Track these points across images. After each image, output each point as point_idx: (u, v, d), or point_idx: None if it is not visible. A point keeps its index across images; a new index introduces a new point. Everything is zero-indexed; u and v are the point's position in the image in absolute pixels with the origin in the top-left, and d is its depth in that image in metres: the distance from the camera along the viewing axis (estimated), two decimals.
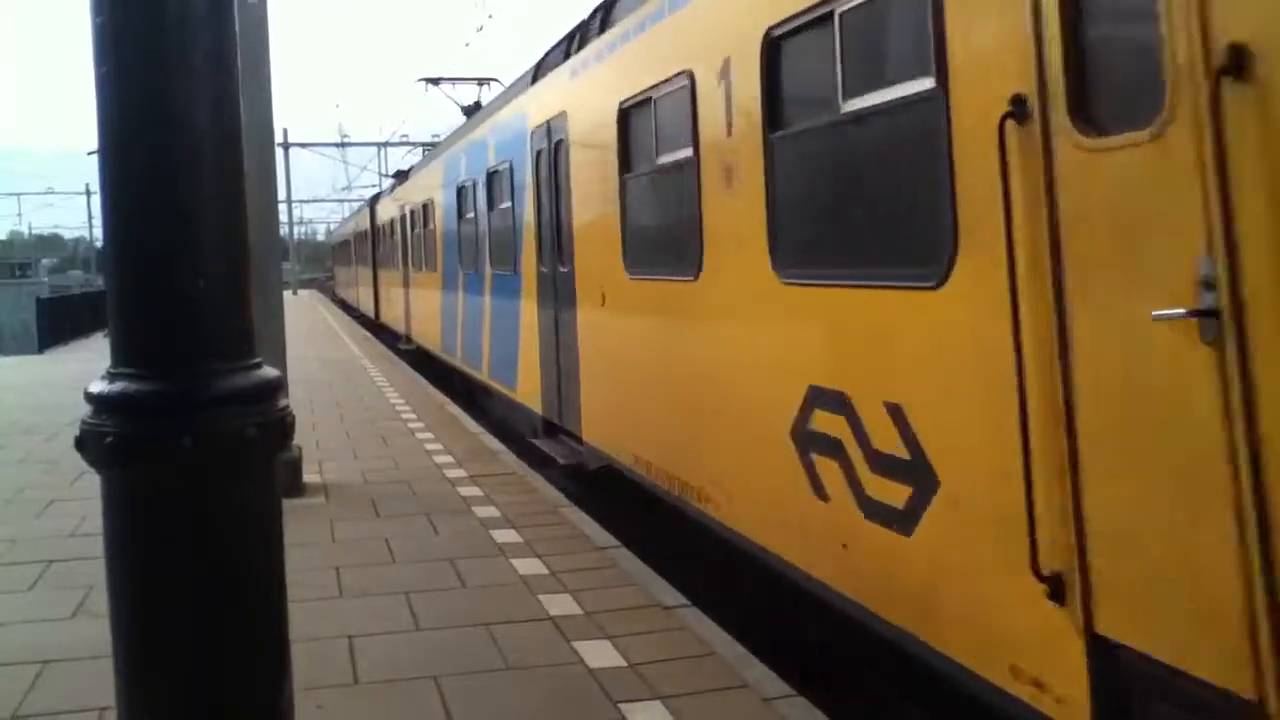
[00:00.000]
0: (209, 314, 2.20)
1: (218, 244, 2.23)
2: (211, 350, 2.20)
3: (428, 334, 18.79)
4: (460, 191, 14.61)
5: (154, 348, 2.18)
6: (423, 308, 19.42)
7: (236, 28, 2.27)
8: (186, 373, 2.16)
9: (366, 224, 31.33)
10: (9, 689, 4.68)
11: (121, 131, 2.19)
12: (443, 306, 16.58)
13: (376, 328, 29.44)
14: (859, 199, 4.68)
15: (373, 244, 29.88)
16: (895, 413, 4.31)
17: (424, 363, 19.68)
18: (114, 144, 2.20)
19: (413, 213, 20.46)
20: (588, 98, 8.54)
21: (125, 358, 2.18)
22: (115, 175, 2.21)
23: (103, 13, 2.16)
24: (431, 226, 17.65)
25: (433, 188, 17.42)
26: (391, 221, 24.43)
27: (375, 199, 30.25)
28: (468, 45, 66.14)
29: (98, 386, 2.17)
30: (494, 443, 10.93)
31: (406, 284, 21.95)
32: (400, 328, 23.37)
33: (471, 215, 13.79)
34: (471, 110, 20.57)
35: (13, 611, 5.77)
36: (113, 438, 2.11)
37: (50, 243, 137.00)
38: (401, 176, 25.03)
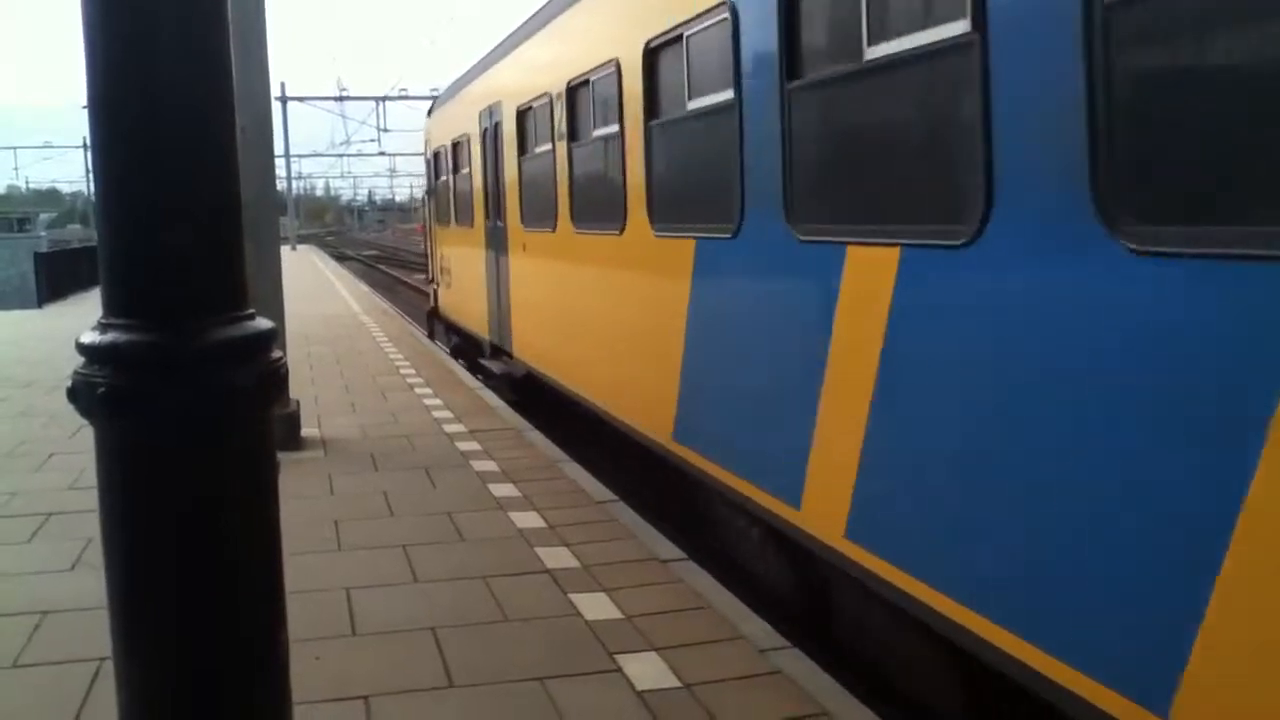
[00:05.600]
0: (201, 264, 2.18)
1: (209, 195, 2.20)
2: (204, 301, 2.17)
3: None
4: None
5: (145, 298, 2.16)
6: None
7: None
8: (178, 323, 2.14)
9: None
10: (8, 640, 4.72)
11: (110, 81, 2.16)
12: None
13: None
14: None
15: None
16: None
17: None
18: (103, 93, 2.16)
19: None
20: None
21: (117, 308, 2.17)
22: (105, 125, 2.17)
23: None
24: None
25: None
26: None
27: None
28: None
29: (89, 337, 2.16)
30: (492, 398, 10.95)
31: None
32: None
33: None
34: None
35: (12, 563, 5.81)
36: (104, 388, 2.10)
37: (48, 197, 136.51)
38: None
